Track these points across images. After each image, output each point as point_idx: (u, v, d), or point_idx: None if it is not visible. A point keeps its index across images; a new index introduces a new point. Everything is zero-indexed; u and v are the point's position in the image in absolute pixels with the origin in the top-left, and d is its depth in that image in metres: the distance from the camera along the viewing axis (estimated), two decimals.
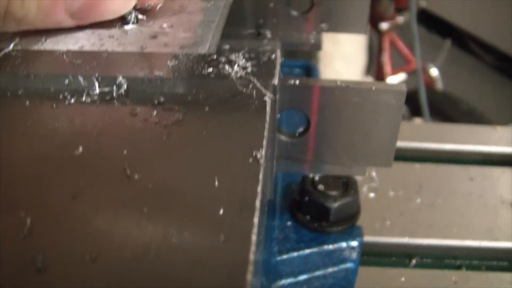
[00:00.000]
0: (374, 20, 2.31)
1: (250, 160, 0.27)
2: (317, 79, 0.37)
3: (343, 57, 1.88)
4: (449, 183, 0.68)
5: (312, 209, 0.48)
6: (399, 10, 2.28)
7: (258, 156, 0.27)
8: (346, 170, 0.41)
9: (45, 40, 0.37)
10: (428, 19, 3.84)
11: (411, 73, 2.43)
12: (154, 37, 0.38)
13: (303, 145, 0.40)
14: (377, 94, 0.37)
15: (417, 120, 2.29)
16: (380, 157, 0.40)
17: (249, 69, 0.33)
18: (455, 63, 3.55)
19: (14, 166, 0.28)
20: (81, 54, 0.36)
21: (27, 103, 0.32)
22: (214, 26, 0.39)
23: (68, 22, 0.37)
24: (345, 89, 0.36)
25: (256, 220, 0.24)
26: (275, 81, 0.32)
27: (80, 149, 0.28)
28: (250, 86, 0.32)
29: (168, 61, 0.34)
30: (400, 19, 2.29)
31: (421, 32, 1.73)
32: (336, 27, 0.56)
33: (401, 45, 2.50)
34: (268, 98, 0.32)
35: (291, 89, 0.36)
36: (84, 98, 0.32)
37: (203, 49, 0.36)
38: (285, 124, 0.46)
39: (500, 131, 0.79)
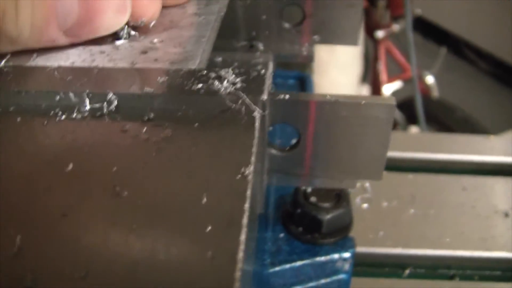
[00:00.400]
0: (370, 28, 2.32)
1: (238, 177, 0.28)
2: (307, 94, 0.38)
3: (338, 65, 1.88)
4: (442, 193, 0.68)
5: (305, 221, 0.48)
6: (395, 18, 2.28)
7: (246, 172, 0.28)
8: (336, 183, 0.42)
9: (37, 56, 0.38)
10: (423, 26, 3.85)
11: (407, 81, 2.43)
12: (144, 52, 0.38)
13: (294, 159, 0.40)
14: (366, 108, 0.37)
15: (413, 129, 2.29)
16: (370, 170, 0.40)
17: (238, 85, 0.33)
18: (451, 70, 3.56)
19: (4, 183, 0.28)
20: (72, 70, 0.36)
21: (18, 119, 0.33)
22: (205, 41, 0.40)
23: (62, 40, 0.38)
24: (335, 104, 0.37)
25: (243, 237, 0.24)
26: (264, 96, 0.32)
27: (71, 166, 0.29)
28: (239, 101, 0.32)
29: (158, 77, 0.34)
30: (395, 27, 2.30)
31: (417, 39, 1.74)
32: (328, 39, 0.57)
33: (396, 53, 2.50)
34: (257, 113, 0.32)
35: (281, 104, 0.37)
36: (75, 115, 0.33)
37: (193, 65, 0.36)
38: (276, 137, 0.46)
39: (493, 140, 0.79)
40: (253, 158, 0.29)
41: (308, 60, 0.56)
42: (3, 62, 0.37)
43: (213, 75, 0.34)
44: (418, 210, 0.65)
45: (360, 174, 0.41)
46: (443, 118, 2.18)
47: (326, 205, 0.49)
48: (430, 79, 2.37)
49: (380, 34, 2.31)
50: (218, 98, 0.32)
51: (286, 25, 0.56)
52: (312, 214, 0.48)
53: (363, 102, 0.37)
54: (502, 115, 3.33)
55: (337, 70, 1.89)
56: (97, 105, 0.33)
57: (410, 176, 0.71)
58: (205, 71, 0.35)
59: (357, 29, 0.56)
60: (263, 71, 0.35)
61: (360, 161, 0.40)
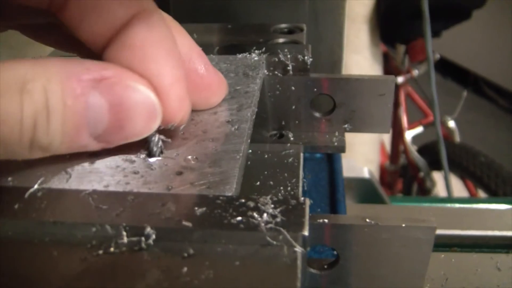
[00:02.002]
0: (390, 73, 2.32)
1: None
2: (346, 217, 0.37)
3: None
4: (475, 274, 0.66)
5: None
6: (415, 63, 2.28)
7: None
8: None
9: (70, 177, 0.37)
10: (442, 66, 3.86)
11: (428, 126, 2.43)
12: (179, 173, 0.38)
13: (332, 276, 0.39)
14: (407, 230, 0.36)
15: (435, 174, 2.28)
16: (409, 286, 0.39)
17: (278, 219, 0.32)
18: (471, 110, 3.55)
19: None
20: (107, 196, 0.35)
21: (55, 253, 0.32)
22: (239, 158, 0.39)
23: (94, 145, 0.37)
24: (374, 227, 0.36)
25: None
26: (306, 232, 0.32)
27: None
28: (280, 237, 0.31)
29: (196, 207, 0.34)
30: (415, 72, 2.30)
31: (437, 79, 1.73)
32: (359, 128, 0.56)
33: (417, 98, 2.50)
34: (298, 250, 0.31)
35: (319, 227, 0.36)
36: (112, 249, 0.32)
37: (230, 190, 0.36)
38: (314, 255, 0.45)
39: None
40: None
41: (339, 151, 0.56)
42: (36, 185, 0.36)
43: (251, 204, 0.34)
44: None
45: None
46: (466, 164, 2.16)
47: None
48: (451, 124, 2.36)
49: (400, 79, 2.31)
50: (258, 234, 0.32)
51: (317, 114, 0.56)
52: None
53: (404, 225, 0.36)
54: None
55: None
56: (134, 239, 0.32)
57: (442, 255, 0.70)
58: (243, 200, 0.34)
59: (389, 117, 0.55)
60: (302, 199, 0.34)
61: (400, 278, 0.39)
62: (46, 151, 0.36)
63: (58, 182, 0.37)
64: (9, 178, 0.37)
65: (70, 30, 0.39)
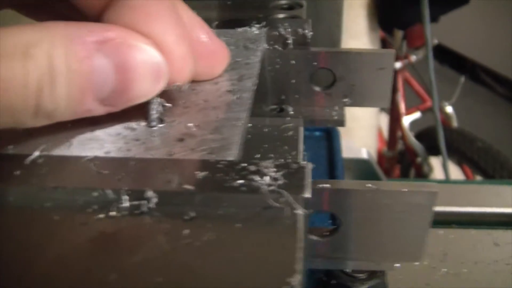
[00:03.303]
0: None
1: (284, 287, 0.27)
2: (347, 182, 0.37)
3: None
4: (474, 250, 0.67)
5: None
6: (412, 49, 2.28)
7: (292, 283, 0.27)
8: (375, 266, 0.41)
9: (71, 144, 0.37)
10: (440, 53, 3.85)
11: (426, 112, 2.43)
12: (181, 140, 0.38)
13: (333, 244, 0.39)
14: (408, 195, 0.36)
15: (433, 160, 2.28)
16: (409, 253, 0.40)
17: (280, 181, 0.32)
18: (468, 96, 3.55)
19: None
20: (109, 162, 0.35)
21: (56, 217, 0.32)
22: (241, 125, 0.39)
23: (99, 110, 0.37)
24: (376, 192, 0.36)
25: None
26: (307, 194, 0.32)
27: (112, 276, 0.28)
28: (282, 200, 0.31)
29: (197, 171, 0.34)
30: (413, 58, 2.30)
31: (434, 66, 1.73)
32: (359, 102, 0.56)
33: (415, 83, 2.50)
34: (300, 212, 0.31)
35: (321, 192, 0.36)
36: (114, 213, 0.32)
37: (232, 155, 0.36)
38: (315, 223, 0.45)
39: None
40: (299, 266, 0.28)
41: (338, 125, 0.56)
42: (37, 152, 0.36)
43: (253, 168, 0.34)
44: (450, 269, 0.64)
45: (399, 257, 0.40)
46: (463, 149, 2.17)
47: (361, 275, 0.48)
48: (449, 109, 2.37)
49: (397, 65, 2.31)
50: (260, 196, 0.32)
51: (316, 88, 0.56)
52: (347, 285, 0.47)
53: (405, 190, 0.36)
54: None
55: None
56: (136, 203, 0.32)
57: (441, 232, 0.70)
58: (245, 164, 0.34)
59: (388, 91, 0.55)
60: (304, 163, 0.34)
61: (400, 245, 0.39)
62: (51, 117, 0.36)
63: (59, 150, 0.37)
64: (10, 146, 0.37)
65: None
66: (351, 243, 0.39)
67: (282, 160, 0.35)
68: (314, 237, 0.39)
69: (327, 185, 0.36)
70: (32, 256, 0.29)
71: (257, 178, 0.33)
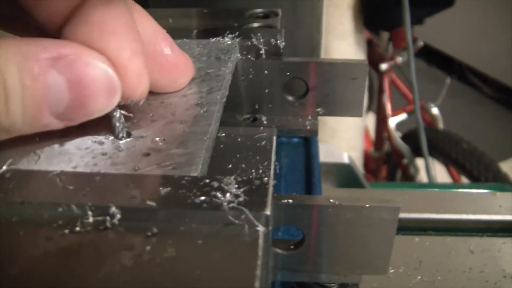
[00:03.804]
0: (374, 61, 2.33)
1: None
2: (311, 197, 0.37)
3: None
4: (449, 258, 0.67)
5: None
6: (399, 50, 2.29)
7: None
8: (341, 278, 0.41)
9: (39, 158, 0.38)
10: (427, 53, 3.87)
11: (412, 113, 2.44)
12: (147, 154, 0.38)
13: (298, 257, 0.40)
14: (371, 211, 0.37)
15: (418, 161, 2.29)
16: (375, 266, 0.40)
17: (241, 198, 0.33)
18: (455, 96, 3.56)
19: None
20: (75, 177, 0.36)
21: (21, 233, 0.32)
22: (207, 139, 0.39)
23: (57, 124, 0.38)
24: (339, 207, 0.37)
25: None
26: (267, 212, 0.32)
27: None
28: (242, 217, 0.32)
29: (161, 187, 0.34)
30: (399, 59, 2.31)
31: (421, 66, 1.75)
32: (332, 111, 0.57)
33: (401, 85, 2.51)
34: (260, 229, 0.32)
35: (284, 207, 0.36)
36: (78, 228, 0.32)
37: (195, 171, 0.36)
38: (280, 236, 0.46)
39: (500, 198, 0.79)
40: (258, 283, 0.28)
41: (312, 134, 0.56)
42: (5, 166, 0.37)
43: (215, 184, 0.34)
44: (425, 277, 0.64)
45: (365, 270, 0.40)
46: (449, 150, 2.17)
47: (333, 285, 0.48)
48: (435, 110, 2.38)
49: (383, 66, 2.32)
50: (221, 213, 0.32)
51: (290, 98, 0.56)
52: None
53: (367, 205, 0.36)
54: (506, 140, 3.33)
55: None
56: (100, 218, 0.33)
57: (416, 239, 0.70)
58: (208, 180, 0.34)
59: (361, 101, 0.56)
60: (265, 179, 0.34)
61: (365, 258, 0.39)
62: (9, 132, 0.36)
63: (27, 163, 0.37)
64: None
65: (28, 13, 0.39)
66: (316, 256, 0.40)
67: (245, 177, 0.35)
68: (279, 250, 0.39)
69: (290, 201, 0.36)
70: None
71: (219, 194, 0.33)
